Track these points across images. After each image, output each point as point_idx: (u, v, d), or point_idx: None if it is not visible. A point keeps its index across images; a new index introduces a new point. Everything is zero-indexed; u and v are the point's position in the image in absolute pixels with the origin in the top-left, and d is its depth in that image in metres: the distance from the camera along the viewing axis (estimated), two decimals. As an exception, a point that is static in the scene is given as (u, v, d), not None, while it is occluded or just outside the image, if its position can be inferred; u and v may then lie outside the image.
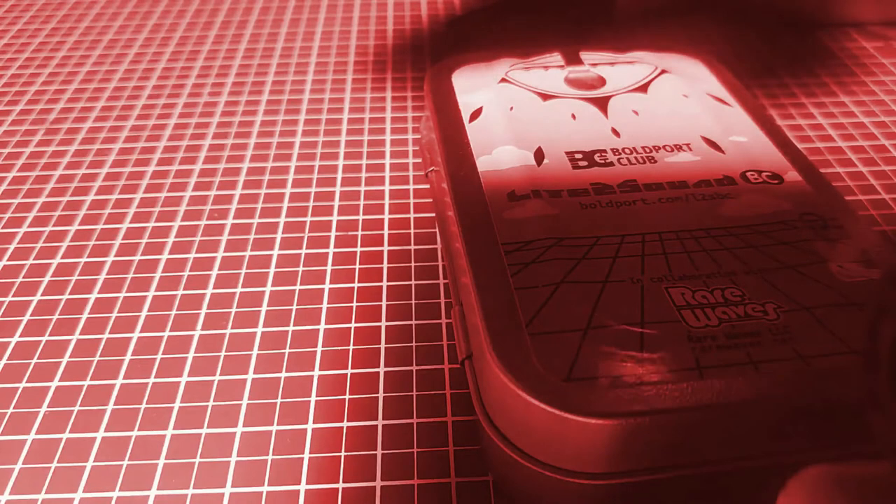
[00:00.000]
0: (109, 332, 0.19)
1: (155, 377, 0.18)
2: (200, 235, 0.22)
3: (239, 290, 0.20)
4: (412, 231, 0.21)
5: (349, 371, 0.18)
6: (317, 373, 0.18)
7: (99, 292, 0.20)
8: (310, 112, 0.27)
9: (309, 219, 0.22)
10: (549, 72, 0.23)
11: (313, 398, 0.17)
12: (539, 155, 0.19)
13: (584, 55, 0.24)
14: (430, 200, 0.23)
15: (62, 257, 0.21)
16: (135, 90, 0.29)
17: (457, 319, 0.16)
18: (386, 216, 0.22)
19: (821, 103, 0.27)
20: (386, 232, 0.21)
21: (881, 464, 0.09)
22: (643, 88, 0.22)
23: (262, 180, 0.24)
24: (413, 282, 0.20)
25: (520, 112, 0.21)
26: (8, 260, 0.21)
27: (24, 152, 0.25)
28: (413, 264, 0.20)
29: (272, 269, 0.20)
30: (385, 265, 0.20)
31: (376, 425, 0.16)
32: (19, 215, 0.23)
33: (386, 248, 0.21)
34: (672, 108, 0.21)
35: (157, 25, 0.34)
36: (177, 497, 0.15)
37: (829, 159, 0.24)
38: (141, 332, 0.19)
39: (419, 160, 0.24)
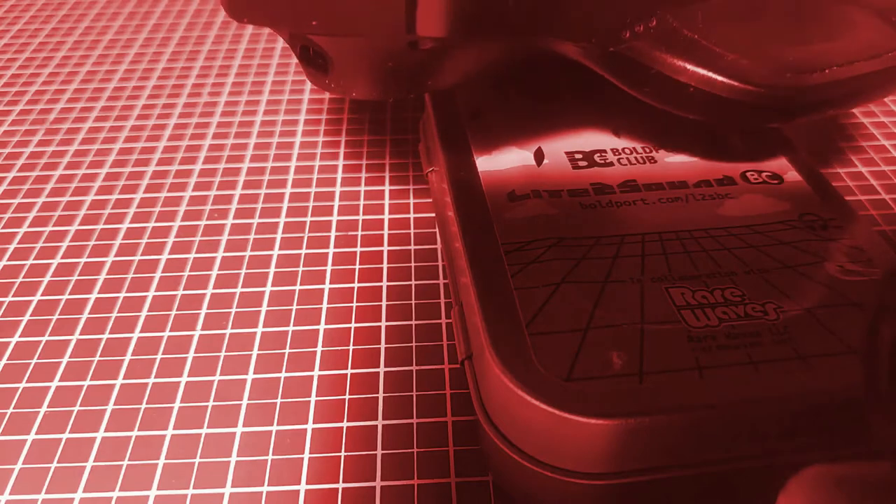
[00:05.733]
0: (109, 333, 0.19)
1: (155, 377, 0.18)
2: (200, 235, 0.22)
3: (239, 290, 0.20)
4: (412, 231, 0.21)
5: (349, 371, 0.18)
6: (317, 373, 0.18)
7: (99, 292, 0.20)
8: (310, 112, 0.27)
9: (309, 219, 0.22)
10: (549, 72, 0.23)
11: (313, 398, 0.17)
12: (539, 155, 0.19)
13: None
14: (430, 200, 0.23)
15: (62, 257, 0.21)
16: (135, 90, 0.29)
17: (457, 319, 0.16)
18: (386, 216, 0.22)
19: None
20: (386, 232, 0.21)
21: (881, 464, 0.09)
22: (643, 88, 0.22)
23: (262, 180, 0.24)
24: (413, 282, 0.20)
25: (520, 112, 0.21)
26: (8, 260, 0.21)
27: (24, 152, 0.25)
28: (413, 264, 0.20)
29: (272, 269, 0.20)
30: (385, 265, 0.20)
31: (376, 425, 0.16)
32: (19, 215, 0.23)
33: (386, 248, 0.21)
34: (672, 108, 0.21)
35: (157, 25, 0.34)
36: (177, 497, 0.15)
37: (830, 159, 0.24)
38: (141, 332, 0.19)
39: (419, 160, 0.24)
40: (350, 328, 0.19)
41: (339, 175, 0.24)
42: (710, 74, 0.16)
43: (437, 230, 0.21)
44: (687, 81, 0.16)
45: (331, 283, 0.20)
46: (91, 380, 0.18)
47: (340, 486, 0.15)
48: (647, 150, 0.19)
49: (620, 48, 0.16)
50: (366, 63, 0.16)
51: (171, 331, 0.19)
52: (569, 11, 0.16)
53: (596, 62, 0.17)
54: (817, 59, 0.16)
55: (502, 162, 0.19)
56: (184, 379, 0.18)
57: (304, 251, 0.21)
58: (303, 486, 0.15)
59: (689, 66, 0.16)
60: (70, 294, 0.20)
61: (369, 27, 0.14)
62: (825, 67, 0.16)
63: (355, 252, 0.21)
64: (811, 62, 0.16)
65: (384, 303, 0.19)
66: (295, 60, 0.30)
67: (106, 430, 0.16)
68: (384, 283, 0.20)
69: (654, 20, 0.16)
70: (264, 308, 0.19)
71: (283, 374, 0.18)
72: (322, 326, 0.19)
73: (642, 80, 0.17)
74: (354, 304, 0.19)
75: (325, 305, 0.19)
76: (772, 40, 0.16)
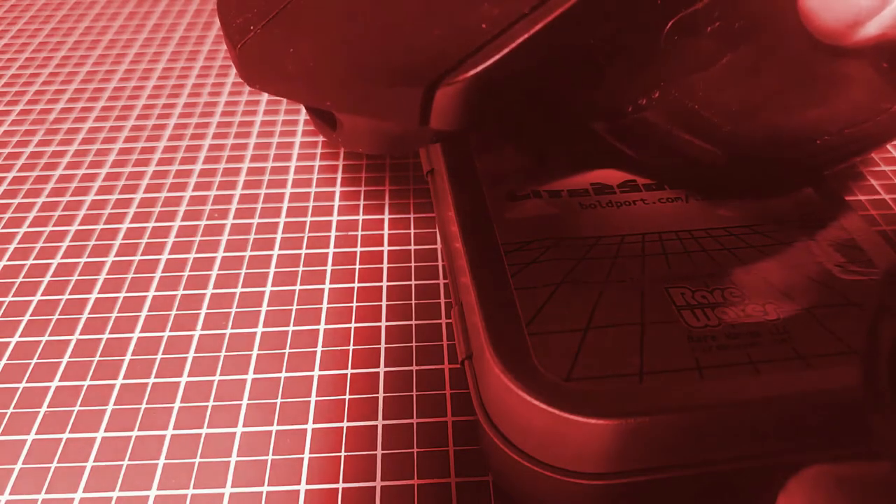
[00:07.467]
0: (109, 333, 0.19)
1: (155, 377, 0.18)
2: (200, 235, 0.22)
3: (239, 290, 0.20)
4: (412, 231, 0.21)
5: (349, 371, 0.18)
6: (317, 373, 0.18)
7: (99, 292, 0.20)
8: (310, 112, 0.27)
9: (309, 219, 0.22)
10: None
11: (313, 398, 0.17)
12: (539, 155, 0.19)
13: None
14: (430, 200, 0.23)
15: (62, 257, 0.21)
16: (135, 90, 0.29)
17: (457, 319, 0.16)
18: (386, 216, 0.22)
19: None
20: (386, 232, 0.21)
21: (881, 464, 0.09)
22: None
23: (262, 180, 0.24)
24: (413, 282, 0.20)
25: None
26: (8, 260, 0.21)
27: (24, 152, 0.25)
28: (413, 264, 0.20)
29: (272, 269, 0.20)
30: (385, 265, 0.20)
31: (376, 425, 0.16)
32: (19, 215, 0.23)
33: (386, 247, 0.21)
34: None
35: (157, 25, 0.34)
36: (177, 497, 0.15)
37: (829, 159, 0.24)
38: (141, 332, 0.19)
39: (419, 160, 0.24)
40: (350, 328, 0.19)
41: (340, 175, 0.24)
42: (707, 147, 0.16)
43: (437, 230, 0.21)
44: (686, 153, 0.17)
45: (331, 283, 0.20)
46: (91, 380, 0.18)
47: (340, 486, 0.15)
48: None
49: (624, 121, 0.16)
50: (374, 129, 0.16)
51: (171, 331, 0.19)
52: (577, 102, 0.16)
53: (599, 128, 0.17)
54: (810, 129, 0.17)
55: (502, 162, 0.19)
56: (184, 379, 0.18)
57: (304, 251, 0.21)
58: (303, 486, 0.15)
59: (687, 139, 0.16)
60: (70, 294, 0.20)
61: (382, 115, 0.14)
62: (817, 138, 0.17)
63: (355, 252, 0.21)
64: (804, 133, 0.17)
65: (384, 303, 0.19)
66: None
67: (106, 430, 0.16)
68: (384, 283, 0.20)
69: (658, 92, 0.16)
70: (264, 308, 0.19)
71: (283, 374, 0.18)
72: (322, 326, 0.19)
73: (643, 148, 0.17)
74: (354, 304, 0.19)
75: (325, 305, 0.19)
76: (767, 109, 0.17)
